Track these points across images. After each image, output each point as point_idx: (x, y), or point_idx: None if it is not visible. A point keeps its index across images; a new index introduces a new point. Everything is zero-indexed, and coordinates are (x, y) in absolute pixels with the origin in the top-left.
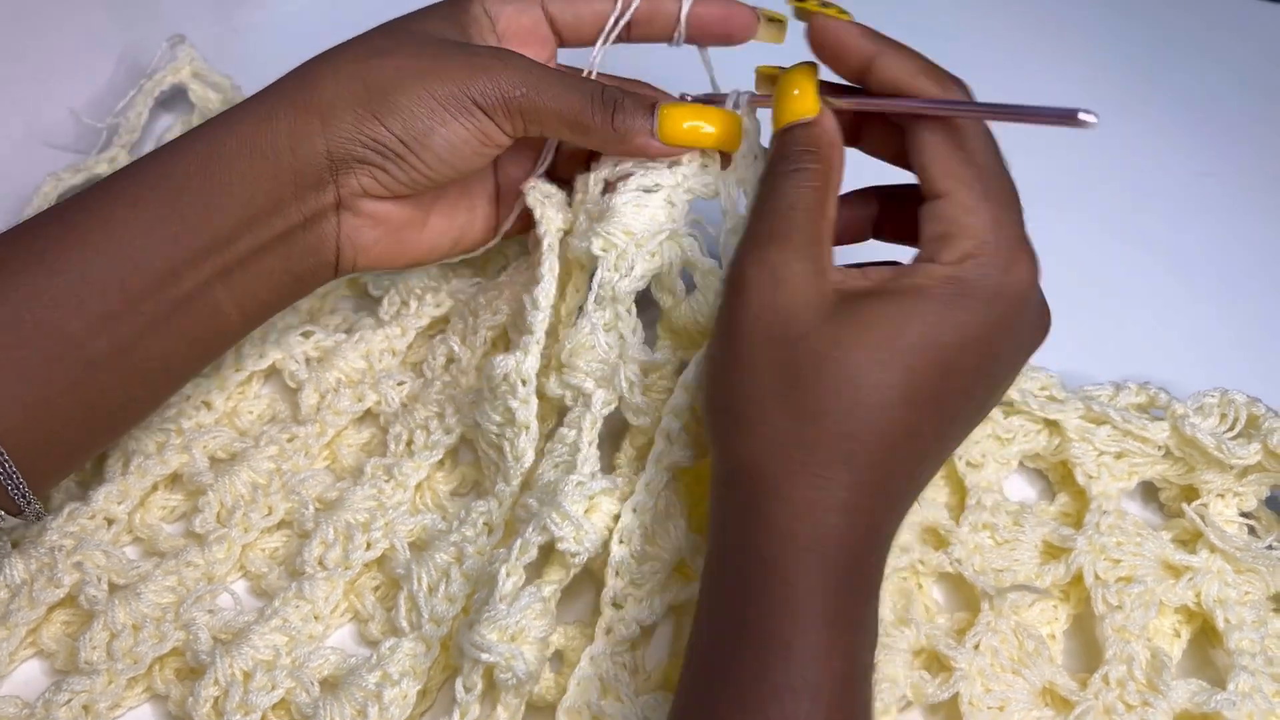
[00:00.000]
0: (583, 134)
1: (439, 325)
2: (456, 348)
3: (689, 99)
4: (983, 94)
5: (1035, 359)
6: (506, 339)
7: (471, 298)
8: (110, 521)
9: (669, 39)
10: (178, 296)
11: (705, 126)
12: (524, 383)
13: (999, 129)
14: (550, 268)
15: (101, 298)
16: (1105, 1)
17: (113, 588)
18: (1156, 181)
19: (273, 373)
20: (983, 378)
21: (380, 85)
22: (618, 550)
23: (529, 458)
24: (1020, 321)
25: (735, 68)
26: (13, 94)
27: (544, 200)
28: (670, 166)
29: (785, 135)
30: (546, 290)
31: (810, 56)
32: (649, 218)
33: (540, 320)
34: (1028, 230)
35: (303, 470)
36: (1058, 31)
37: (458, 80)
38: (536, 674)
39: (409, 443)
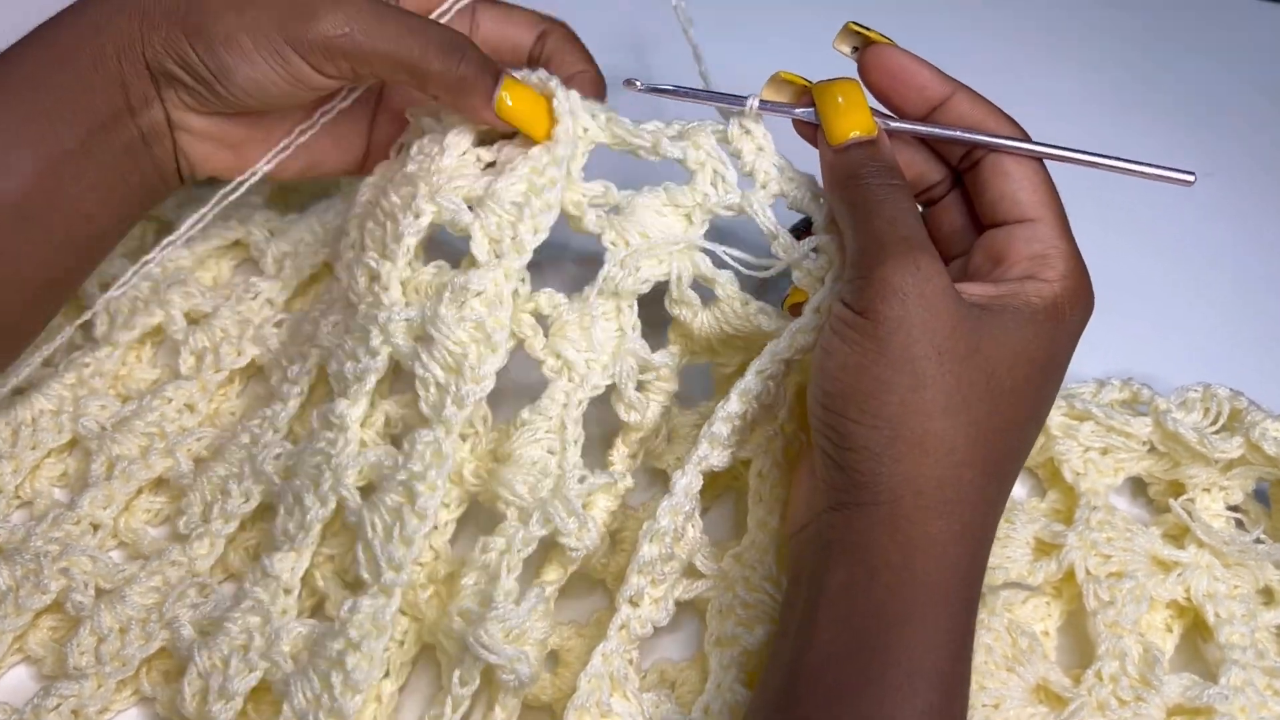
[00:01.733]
0: (421, 80)
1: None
2: (374, 263)
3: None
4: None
5: None
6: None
7: (378, 197)
8: (95, 527)
9: None
10: (49, 200)
11: (533, 115)
12: (502, 303)
13: None
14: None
15: None
16: (1105, 1)
17: (99, 592)
18: (1156, 181)
19: (253, 370)
20: (1055, 394)
21: (200, 5)
22: (648, 549)
23: (489, 384)
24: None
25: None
26: None
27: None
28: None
29: (852, 153)
30: (547, 217)
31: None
32: (666, 226)
33: (535, 243)
34: None
35: (265, 447)
36: (1058, 31)
37: (277, 18)
38: (537, 675)
39: (342, 377)
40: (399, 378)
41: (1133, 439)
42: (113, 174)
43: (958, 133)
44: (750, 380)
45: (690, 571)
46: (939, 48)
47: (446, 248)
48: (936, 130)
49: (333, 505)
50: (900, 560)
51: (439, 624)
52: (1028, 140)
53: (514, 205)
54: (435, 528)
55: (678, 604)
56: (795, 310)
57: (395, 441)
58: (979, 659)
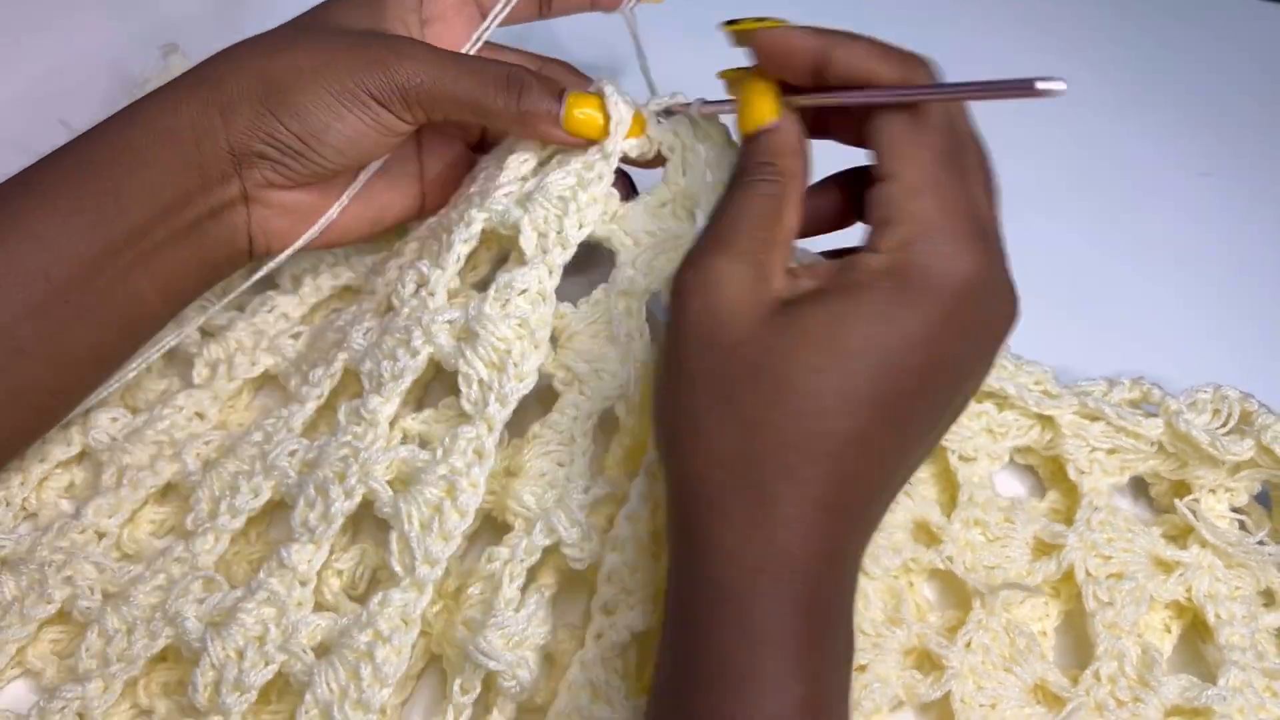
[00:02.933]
0: (487, 117)
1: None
2: (426, 269)
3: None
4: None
5: (1030, 353)
6: (476, 264)
7: (438, 220)
8: (101, 535)
9: (589, 7)
10: (101, 284)
11: (602, 116)
12: (544, 299)
13: (996, 130)
14: (602, 174)
15: (26, 287)
16: (1105, 2)
17: (106, 597)
18: (1156, 181)
19: (265, 380)
20: (938, 375)
21: (278, 82)
22: (611, 558)
23: (532, 381)
24: (975, 314)
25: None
26: (9, 103)
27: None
28: (666, 179)
29: (749, 145)
30: (593, 211)
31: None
32: (664, 224)
33: (579, 238)
34: (1027, 227)
35: (281, 442)
36: (1057, 31)
37: (353, 74)
38: (538, 680)
39: (376, 376)
40: (428, 392)
41: (1142, 439)
42: (173, 257)
43: (833, 95)
44: None
45: None
46: (938, 48)
47: None
48: (827, 97)
49: (359, 498)
50: (688, 561)
51: (445, 635)
52: (909, 83)
53: (560, 199)
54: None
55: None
56: None
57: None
58: (977, 659)
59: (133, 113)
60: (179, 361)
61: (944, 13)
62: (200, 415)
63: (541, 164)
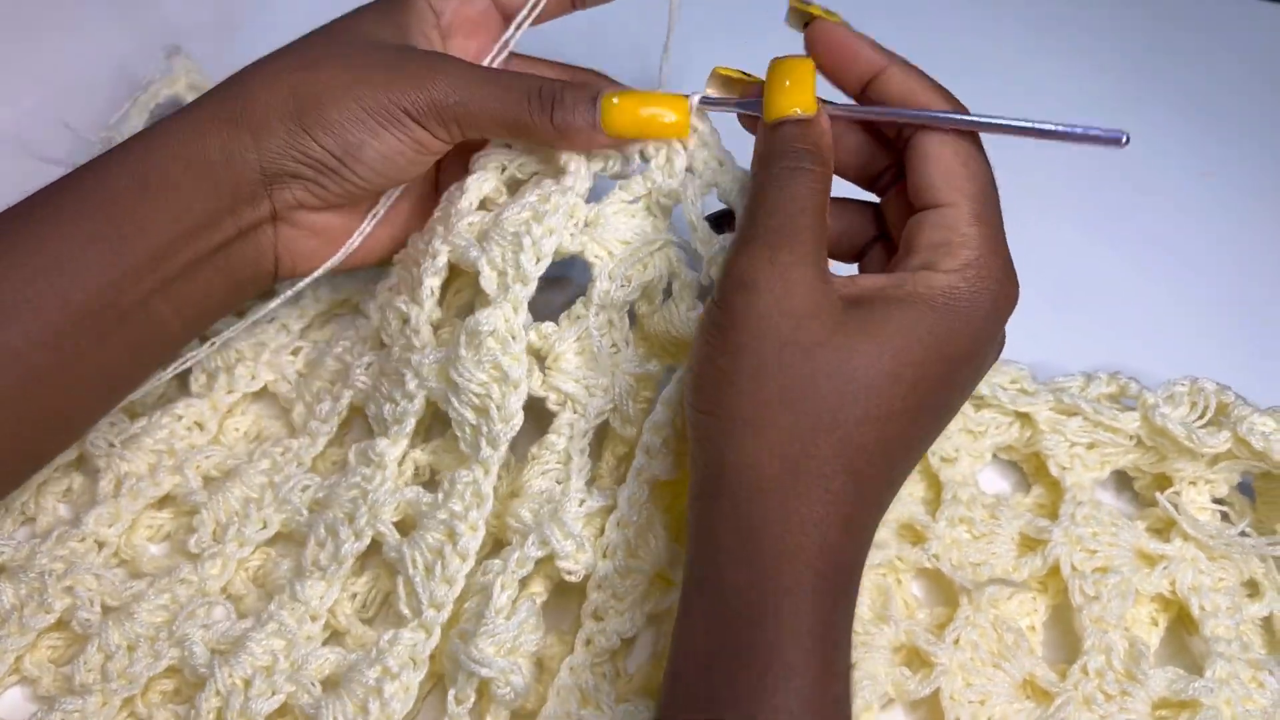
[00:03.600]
0: (524, 134)
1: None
2: (404, 306)
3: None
4: (980, 95)
5: (1033, 353)
6: (460, 287)
7: (411, 245)
8: (100, 544)
9: None
10: (120, 309)
11: (661, 114)
12: (514, 338)
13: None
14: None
15: (42, 312)
16: (1105, 2)
17: (105, 609)
18: (1156, 181)
19: (263, 394)
20: (966, 389)
21: (312, 98)
22: (602, 565)
23: (518, 420)
24: (998, 338)
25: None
26: (6, 106)
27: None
28: (631, 176)
29: (781, 130)
30: (549, 242)
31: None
32: (638, 227)
33: (538, 272)
34: (1028, 227)
35: (292, 478)
36: (1058, 32)
37: (389, 91)
38: (531, 686)
39: (381, 419)
40: (435, 421)
41: (1120, 434)
42: (196, 279)
43: (891, 111)
44: (672, 388)
45: (663, 582)
46: (938, 47)
47: None
48: (876, 111)
49: (368, 539)
50: (743, 553)
51: (441, 648)
52: (958, 113)
53: (514, 236)
54: None
55: (653, 614)
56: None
57: (426, 486)
58: (965, 655)
59: (157, 135)
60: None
61: (944, 13)
62: (200, 425)
63: (506, 184)
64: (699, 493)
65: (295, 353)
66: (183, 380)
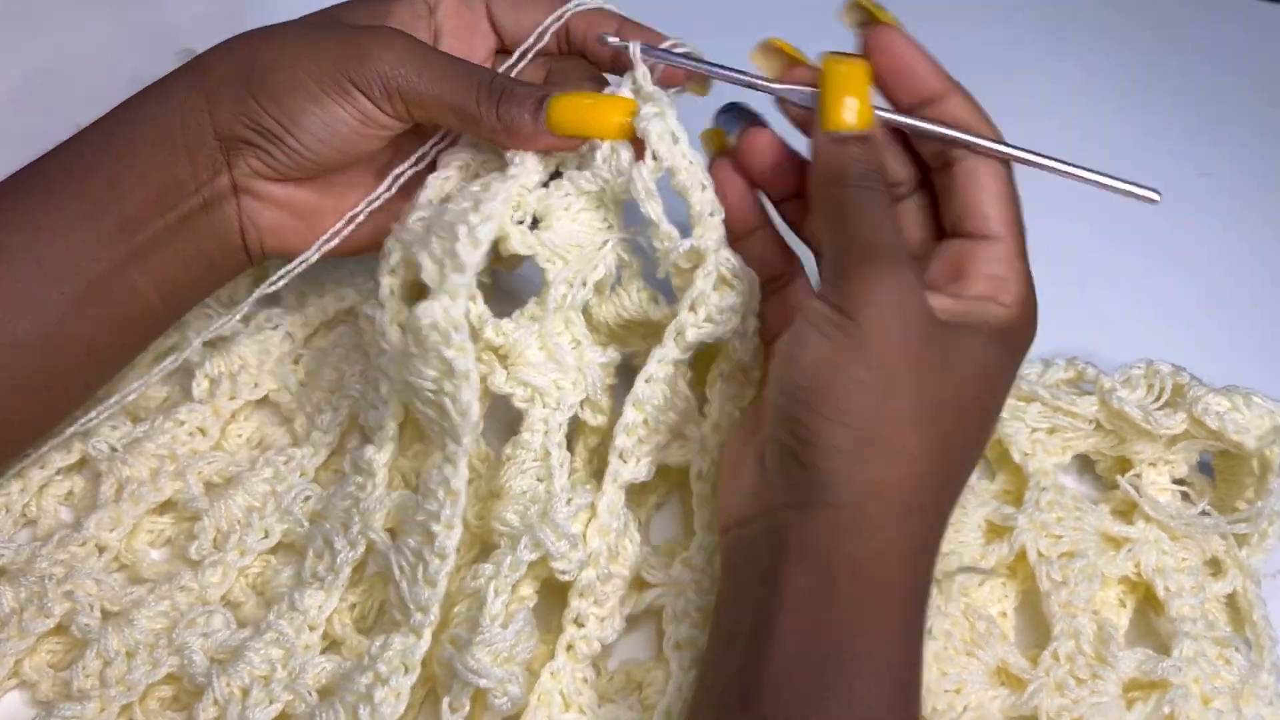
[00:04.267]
0: (470, 124)
1: None
2: (370, 312)
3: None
4: (978, 94)
5: (1036, 349)
6: (411, 286)
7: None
8: (101, 549)
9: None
10: (95, 277)
11: (604, 115)
12: (456, 329)
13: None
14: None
15: (20, 277)
16: (1105, 2)
17: (105, 615)
18: (1156, 181)
19: (265, 400)
20: (994, 425)
21: (261, 65)
22: (585, 574)
23: (474, 411)
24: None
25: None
26: (16, 108)
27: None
28: (578, 167)
29: (847, 149)
30: (486, 228)
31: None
32: (587, 223)
33: (475, 260)
34: (1027, 227)
35: (294, 488)
36: (1057, 31)
37: (334, 59)
38: (527, 695)
39: (368, 427)
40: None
41: (1079, 418)
42: (168, 250)
43: (943, 129)
44: (640, 388)
45: (638, 584)
46: (938, 47)
47: None
48: (923, 125)
49: (362, 548)
50: (863, 567)
51: (433, 654)
52: (1004, 145)
53: (449, 225)
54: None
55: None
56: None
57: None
58: (939, 645)
59: (132, 104)
60: (179, 371)
61: (944, 13)
62: (202, 431)
63: (466, 180)
64: (800, 500)
65: (297, 361)
66: (185, 386)
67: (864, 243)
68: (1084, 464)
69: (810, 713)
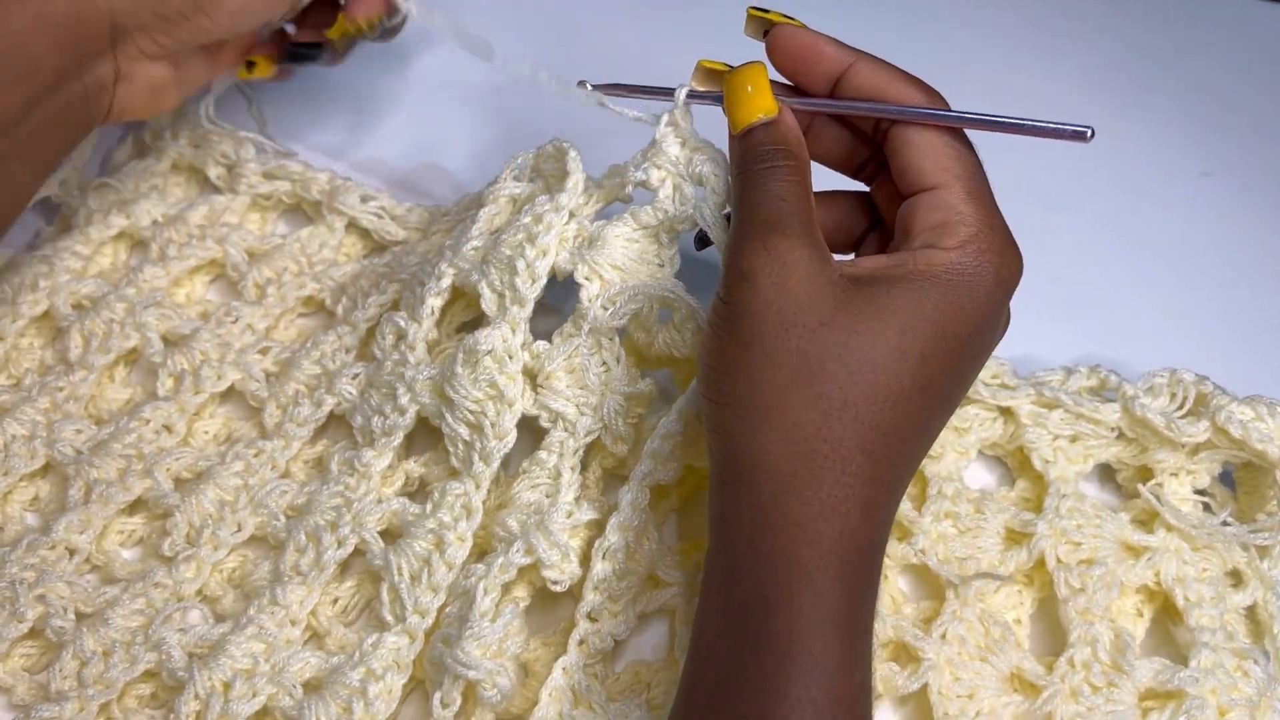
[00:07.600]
0: None
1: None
2: (403, 323)
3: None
4: (982, 95)
5: (1031, 352)
6: (457, 309)
7: (415, 266)
8: (72, 551)
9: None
10: None
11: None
12: (511, 357)
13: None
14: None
15: None
16: (1105, 1)
17: (80, 616)
18: (1156, 181)
19: (230, 393)
20: (975, 366)
21: None
22: (601, 567)
23: (512, 437)
24: (1004, 314)
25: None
26: None
27: (669, 132)
28: (650, 203)
29: (748, 138)
30: (543, 264)
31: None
32: (638, 253)
33: (534, 294)
34: (1027, 227)
35: (269, 483)
36: (1057, 31)
37: None
38: (517, 688)
39: (368, 431)
40: (420, 434)
41: (1101, 425)
42: (44, 139)
43: (856, 104)
44: (688, 401)
45: (652, 581)
46: (938, 47)
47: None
48: (838, 104)
49: (351, 547)
50: (762, 541)
51: (423, 654)
52: (933, 107)
53: (508, 260)
54: None
55: (644, 613)
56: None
57: (412, 497)
58: (953, 649)
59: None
60: (141, 370)
61: (943, 13)
62: (168, 429)
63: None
64: (717, 483)
65: (264, 352)
66: (148, 386)
67: (744, 222)
68: (1105, 473)
69: (726, 694)
